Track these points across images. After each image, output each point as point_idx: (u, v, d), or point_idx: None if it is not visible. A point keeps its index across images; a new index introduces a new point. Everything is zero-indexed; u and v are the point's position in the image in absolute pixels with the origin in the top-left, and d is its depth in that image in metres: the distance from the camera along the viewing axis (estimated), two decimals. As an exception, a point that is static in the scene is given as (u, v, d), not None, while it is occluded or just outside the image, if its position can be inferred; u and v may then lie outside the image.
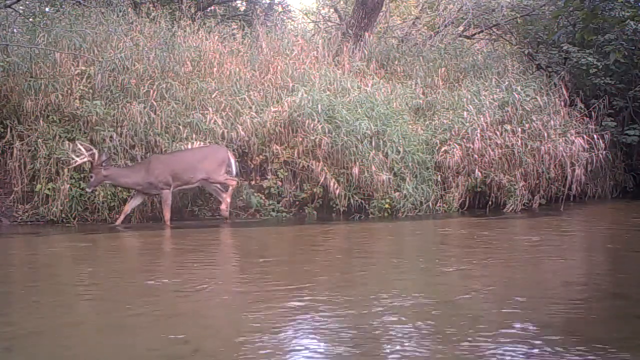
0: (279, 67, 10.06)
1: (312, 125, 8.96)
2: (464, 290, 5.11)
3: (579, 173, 10.09)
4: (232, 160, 8.55)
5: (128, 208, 8.38)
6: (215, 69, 9.74)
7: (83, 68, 8.92)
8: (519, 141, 9.80)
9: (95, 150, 8.12)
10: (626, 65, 11.72)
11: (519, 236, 8.11)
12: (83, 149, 8.09)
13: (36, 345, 3.78)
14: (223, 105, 9.21)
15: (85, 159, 8.08)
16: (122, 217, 8.34)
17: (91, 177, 8.14)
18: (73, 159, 8.11)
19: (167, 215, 8.34)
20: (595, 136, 10.51)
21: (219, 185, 8.65)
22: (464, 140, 9.67)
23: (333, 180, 8.93)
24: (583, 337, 3.86)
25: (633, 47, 11.63)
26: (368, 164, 8.98)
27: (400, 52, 12.31)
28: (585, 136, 10.39)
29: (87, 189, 8.24)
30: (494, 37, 14.94)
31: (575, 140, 10.19)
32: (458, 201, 9.58)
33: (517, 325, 4.12)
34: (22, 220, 8.50)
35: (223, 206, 8.57)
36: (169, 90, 9.03)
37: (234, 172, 8.58)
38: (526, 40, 13.18)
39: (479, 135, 9.63)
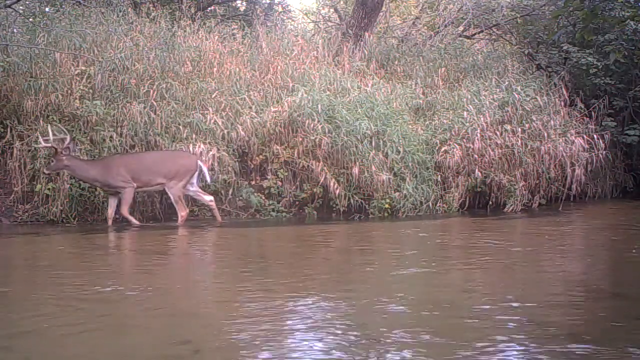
0: (279, 67, 10.06)
1: (312, 125, 8.95)
2: (463, 290, 5.12)
3: (579, 173, 10.09)
4: (205, 170, 8.31)
5: (111, 211, 8.32)
6: (215, 69, 9.73)
7: (83, 68, 8.91)
8: (519, 141, 9.80)
9: (67, 136, 8.03)
10: (626, 65, 11.71)
11: (518, 236, 8.11)
12: (51, 134, 7.99)
13: (36, 345, 3.78)
14: (223, 105, 9.20)
15: (49, 144, 7.96)
16: (109, 222, 8.31)
17: (52, 161, 8.07)
18: (39, 141, 8.05)
19: (125, 211, 8.15)
20: (595, 136, 10.51)
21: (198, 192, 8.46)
22: (464, 140, 9.66)
23: (333, 180, 8.92)
24: (583, 337, 3.86)
25: (633, 47, 11.61)
26: (368, 164, 8.97)
27: (400, 52, 12.30)
28: (585, 136, 10.39)
29: (45, 171, 8.18)
30: (494, 37, 14.92)
31: (575, 140, 10.19)
32: (458, 201, 9.58)
33: (517, 326, 4.12)
34: (22, 220, 8.49)
35: (179, 221, 8.33)
36: (169, 90, 9.03)
37: (209, 181, 8.46)
38: (526, 40, 13.17)
39: (479, 135, 9.62)
